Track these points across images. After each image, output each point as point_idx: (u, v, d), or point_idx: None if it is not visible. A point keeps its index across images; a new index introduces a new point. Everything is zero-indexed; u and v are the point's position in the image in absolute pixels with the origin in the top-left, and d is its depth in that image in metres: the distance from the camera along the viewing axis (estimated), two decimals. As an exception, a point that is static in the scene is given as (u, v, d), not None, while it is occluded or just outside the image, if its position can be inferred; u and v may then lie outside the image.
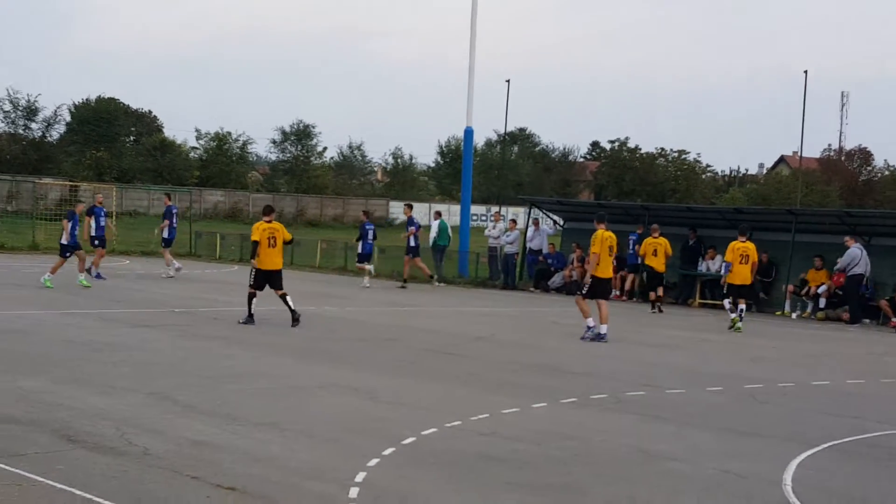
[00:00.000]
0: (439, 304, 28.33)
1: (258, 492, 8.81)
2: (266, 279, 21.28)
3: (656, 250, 29.58)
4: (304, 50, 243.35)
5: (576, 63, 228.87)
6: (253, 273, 21.27)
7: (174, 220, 33.39)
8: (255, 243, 21.45)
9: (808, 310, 30.28)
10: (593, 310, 21.44)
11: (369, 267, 34.15)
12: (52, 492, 8.52)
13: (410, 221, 34.28)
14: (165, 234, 33.10)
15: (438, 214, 37.62)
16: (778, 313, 30.78)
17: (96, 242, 30.40)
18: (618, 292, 33.78)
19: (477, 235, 46.00)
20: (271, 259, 21.40)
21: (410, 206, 36.42)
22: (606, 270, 21.79)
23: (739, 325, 24.77)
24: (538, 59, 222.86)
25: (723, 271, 26.12)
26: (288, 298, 21.13)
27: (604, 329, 21.25)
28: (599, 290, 21.72)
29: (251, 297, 21.07)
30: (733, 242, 25.56)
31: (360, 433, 11.29)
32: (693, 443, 11.77)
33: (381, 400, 13.41)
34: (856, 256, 28.44)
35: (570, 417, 12.96)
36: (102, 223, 30.68)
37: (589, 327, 21.35)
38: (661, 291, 29.91)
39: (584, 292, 21.67)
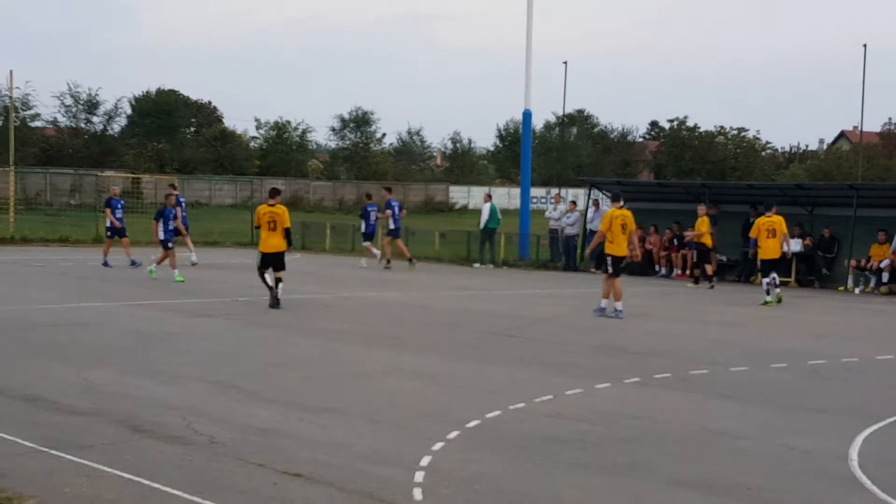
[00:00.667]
0: (501, 287, 28.32)
1: (324, 478, 8.86)
2: (269, 261, 21.73)
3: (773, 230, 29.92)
4: (361, 36, 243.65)
5: (633, 43, 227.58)
6: (258, 257, 21.89)
7: (183, 209, 33.55)
8: (259, 228, 22.25)
9: (872, 284, 29.97)
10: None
11: (375, 250, 35.10)
12: (121, 482, 8.62)
13: (388, 204, 34.59)
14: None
15: (489, 197, 37.91)
16: (841, 288, 30.49)
17: (109, 234, 31.45)
18: (679, 271, 33.68)
19: (537, 218, 45.89)
20: (272, 242, 21.75)
21: (389, 189, 36.84)
22: (621, 248, 21.96)
23: (778, 291, 25.11)
24: (595, 41, 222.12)
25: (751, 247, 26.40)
26: (280, 283, 21.58)
27: (619, 305, 21.65)
28: (621, 267, 22.04)
29: (261, 276, 21.81)
30: (759, 218, 25.89)
31: (425, 417, 11.33)
32: (758, 420, 11.70)
33: (445, 384, 13.44)
34: None
35: (635, 397, 12.93)
36: (119, 215, 31.53)
37: (603, 307, 21.71)
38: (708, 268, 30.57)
39: (610, 272, 21.85)
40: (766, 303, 25.09)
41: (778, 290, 25.24)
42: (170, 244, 27.64)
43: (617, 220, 21.82)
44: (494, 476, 9.10)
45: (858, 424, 11.48)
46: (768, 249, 25.40)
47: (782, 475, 9.39)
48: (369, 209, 35.04)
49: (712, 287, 29.57)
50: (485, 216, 36.59)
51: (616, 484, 8.98)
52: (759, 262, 26.08)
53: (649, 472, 9.38)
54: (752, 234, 25.94)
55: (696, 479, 9.19)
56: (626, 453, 10.02)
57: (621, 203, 22.62)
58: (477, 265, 36.17)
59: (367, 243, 35.43)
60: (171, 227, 28.13)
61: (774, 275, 25.46)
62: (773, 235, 25.37)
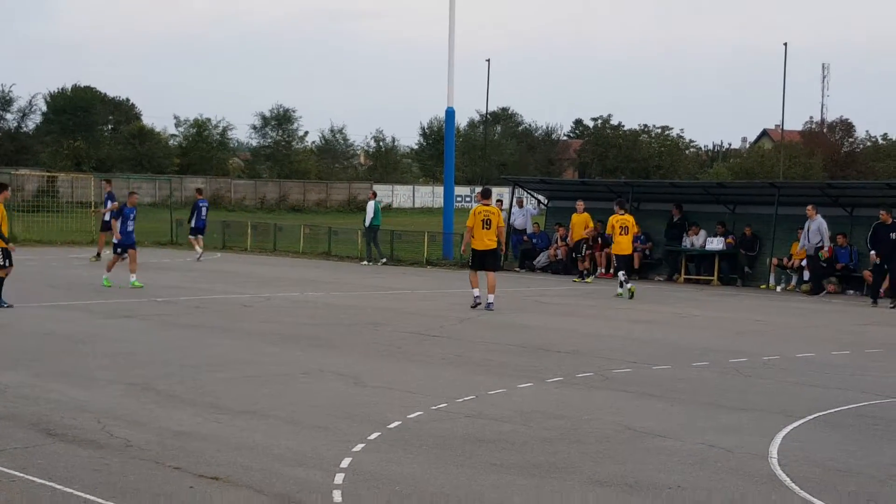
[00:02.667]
0: (425, 287, 28.25)
1: (242, 480, 8.74)
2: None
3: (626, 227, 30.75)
4: (282, 33, 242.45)
5: (557, 41, 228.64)
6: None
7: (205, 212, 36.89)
8: None
9: (793, 283, 30.25)
10: (483, 281, 22.70)
11: (200, 242, 36.64)
12: (32, 487, 8.43)
13: (110, 197, 34.87)
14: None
15: (374, 195, 38.58)
16: (763, 287, 30.75)
17: None
18: (602, 270, 33.76)
19: (461, 216, 45.82)
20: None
21: (109, 182, 37.39)
22: (482, 242, 22.81)
23: (630, 286, 26.39)
24: (519, 38, 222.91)
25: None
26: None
27: (490, 298, 22.43)
28: (482, 261, 22.85)
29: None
30: (612, 216, 27.56)
31: (346, 418, 11.22)
32: (680, 419, 11.72)
33: (367, 384, 13.33)
34: (824, 227, 28.50)
35: (557, 397, 12.90)
36: None
37: (475, 296, 22.54)
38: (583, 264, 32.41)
39: (470, 265, 23.11)
40: (619, 295, 26.41)
41: (629, 284, 26.44)
42: (119, 249, 25.70)
43: (479, 216, 22.75)
44: (415, 477, 9.02)
45: (779, 422, 11.54)
46: (621, 246, 27.23)
47: (704, 474, 9.40)
48: (200, 204, 37.10)
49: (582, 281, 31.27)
50: (369, 214, 36.96)
51: (538, 484, 8.93)
52: (613, 258, 28.30)
53: (571, 471, 9.35)
54: (608, 231, 28.10)
55: (618, 478, 9.17)
56: (549, 453, 9.97)
57: (491, 201, 23.65)
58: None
59: (192, 237, 37.14)
60: (129, 229, 25.83)
61: (623, 272, 26.93)
62: (626, 232, 27.24)
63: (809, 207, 28.83)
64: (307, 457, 9.56)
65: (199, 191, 40.15)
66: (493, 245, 22.98)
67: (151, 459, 9.32)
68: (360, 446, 9.97)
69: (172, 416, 11.10)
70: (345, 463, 9.34)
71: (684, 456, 9.99)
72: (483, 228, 22.65)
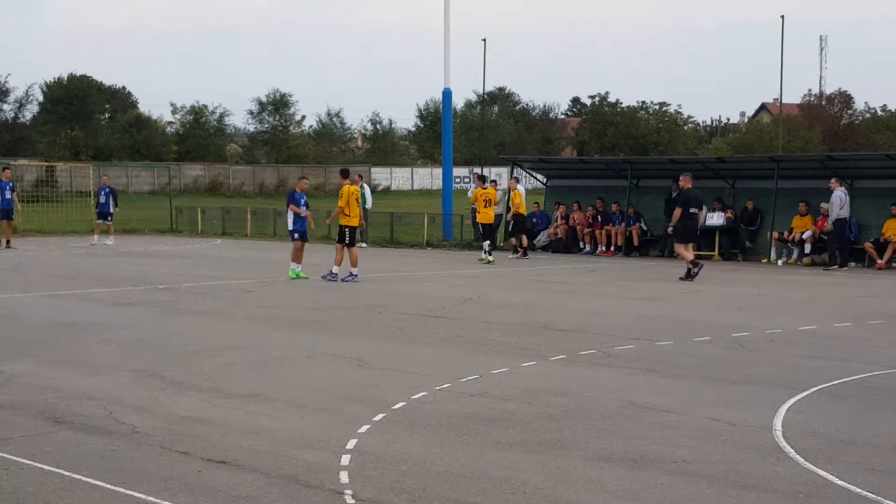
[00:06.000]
0: (425, 269, 28.26)
1: (249, 464, 8.77)
2: None
3: (489, 200, 31.36)
4: (278, 17, 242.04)
5: (552, 19, 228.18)
6: None
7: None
8: None
9: (794, 256, 30.27)
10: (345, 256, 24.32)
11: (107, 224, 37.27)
12: (41, 474, 8.46)
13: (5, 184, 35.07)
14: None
15: (360, 178, 38.14)
16: (764, 261, 30.76)
17: None
18: (603, 248, 33.77)
19: (460, 198, 45.86)
20: None
21: (6, 168, 37.49)
22: (357, 219, 24.73)
23: (490, 259, 29.83)
24: (514, 18, 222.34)
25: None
26: None
27: (355, 271, 24.25)
28: (353, 236, 24.77)
29: None
30: (477, 190, 31.58)
31: (350, 400, 11.26)
32: (683, 393, 11.76)
33: (370, 366, 13.36)
34: (842, 199, 28.44)
35: (560, 374, 12.93)
36: None
37: (333, 272, 24.15)
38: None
39: (346, 242, 24.43)
40: (488, 262, 29.58)
41: (490, 257, 29.87)
42: (296, 235, 25.24)
43: (353, 195, 24.60)
44: (421, 457, 9.06)
45: (782, 395, 11.58)
46: (485, 216, 30.73)
47: (708, 447, 9.44)
48: (103, 190, 37.54)
49: (525, 257, 31.96)
50: (369, 198, 36.40)
51: (542, 461, 8.96)
52: (480, 226, 31.59)
53: (575, 448, 9.38)
54: (472, 201, 31.88)
55: (623, 453, 9.20)
56: (553, 430, 10.01)
57: (356, 180, 26.52)
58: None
59: (99, 221, 37.42)
60: (303, 216, 25.40)
61: (488, 243, 30.35)
62: (489, 205, 30.56)
63: (832, 181, 28.71)
64: (313, 439, 9.59)
65: (104, 178, 40.11)
66: (358, 222, 24.85)
67: (158, 445, 9.35)
68: (365, 428, 10.00)
69: (178, 401, 11.13)
70: (350, 444, 9.38)
71: (688, 430, 10.02)
72: (356, 206, 24.49)
